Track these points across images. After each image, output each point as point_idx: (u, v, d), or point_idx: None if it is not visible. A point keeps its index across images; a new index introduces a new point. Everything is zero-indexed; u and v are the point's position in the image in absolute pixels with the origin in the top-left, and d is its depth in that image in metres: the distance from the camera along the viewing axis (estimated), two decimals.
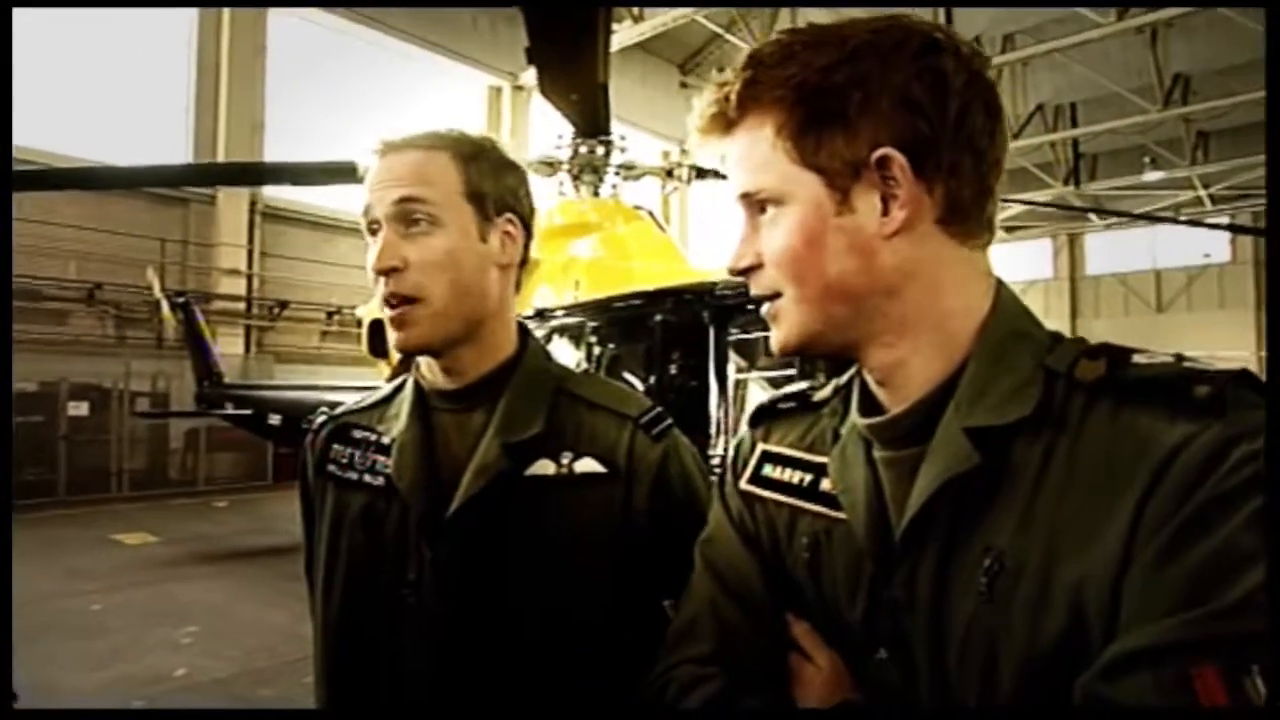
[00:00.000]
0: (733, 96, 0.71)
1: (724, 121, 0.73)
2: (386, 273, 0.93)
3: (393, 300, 0.94)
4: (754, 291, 0.75)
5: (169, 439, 12.39)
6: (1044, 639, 0.61)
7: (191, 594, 6.29)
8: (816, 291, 0.70)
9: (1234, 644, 0.52)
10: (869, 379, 0.76)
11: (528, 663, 0.93)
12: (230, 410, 9.22)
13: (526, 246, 1.04)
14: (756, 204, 0.73)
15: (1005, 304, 0.72)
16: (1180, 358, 0.65)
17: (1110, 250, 25.06)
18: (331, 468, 1.06)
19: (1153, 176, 20.46)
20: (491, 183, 0.99)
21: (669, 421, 1.02)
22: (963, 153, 0.68)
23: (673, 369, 4.35)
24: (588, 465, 0.97)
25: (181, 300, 10.25)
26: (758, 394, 4.34)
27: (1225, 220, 21.63)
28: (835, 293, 0.70)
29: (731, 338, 4.17)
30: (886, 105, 0.67)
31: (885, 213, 0.68)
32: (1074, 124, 19.89)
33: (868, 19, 0.71)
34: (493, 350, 1.01)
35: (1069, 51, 15.26)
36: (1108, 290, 25.04)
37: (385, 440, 1.02)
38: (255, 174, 6.93)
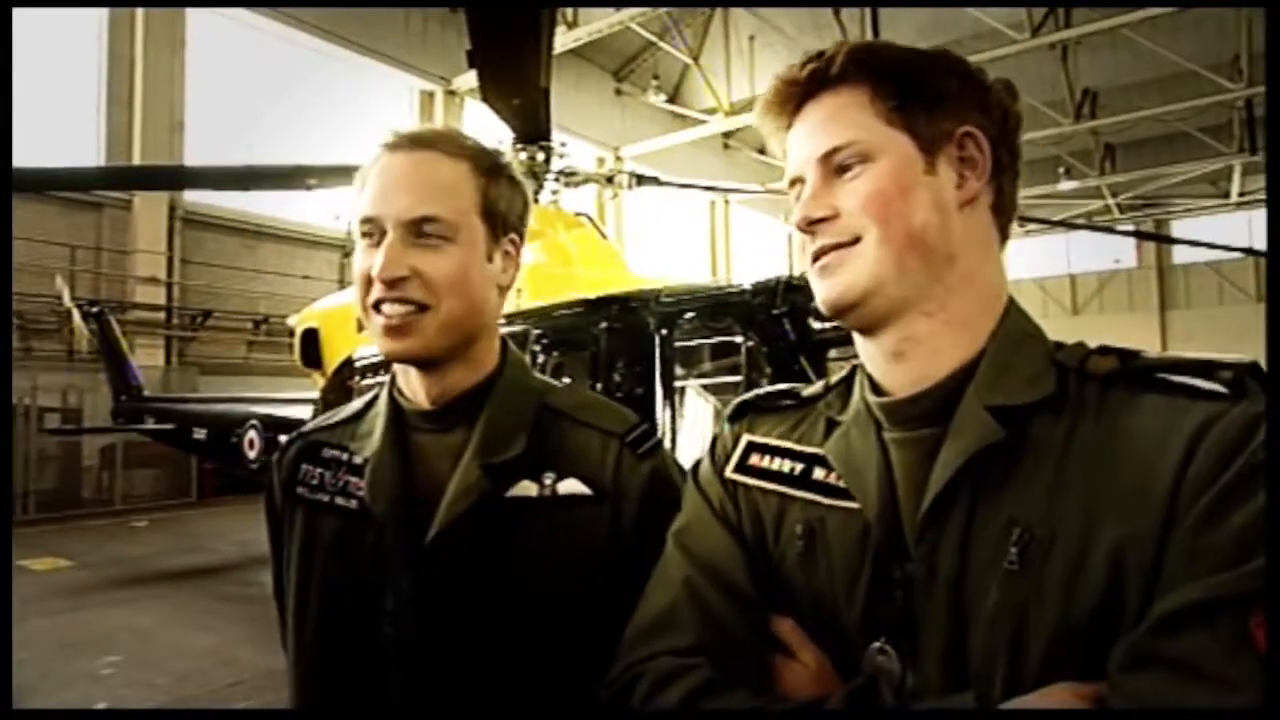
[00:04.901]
0: (837, 59, 0.75)
1: (811, 85, 0.76)
2: (391, 282, 0.88)
3: (397, 305, 0.88)
4: (821, 242, 0.75)
5: (82, 456, 11.70)
6: (1080, 605, 0.63)
7: (111, 621, 5.92)
8: (901, 235, 0.72)
9: None
10: (878, 359, 0.77)
11: (512, 692, 0.89)
12: (151, 425, 8.77)
13: (518, 268, 1.01)
14: (837, 164, 0.75)
15: (1016, 308, 0.77)
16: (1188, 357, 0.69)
17: (1029, 256, 26.23)
18: (301, 490, 1.00)
19: (1067, 186, 21.53)
20: (505, 203, 0.95)
21: (656, 439, 0.99)
22: (1012, 159, 0.78)
23: (618, 377, 4.34)
24: (572, 486, 0.93)
25: (95, 310, 9.73)
26: (697, 402, 4.36)
27: (1131, 228, 22.92)
28: (917, 241, 0.72)
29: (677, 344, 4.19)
30: (967, 101, 0.75)
31: (960, 186, 0.75)
32: None
33: (927, 49, 0.79)
34: (476, 367, 0.97)
35: (988, 65, 15.84)
36: (1028, 294, 26.16)
37: (357, 460, 0.97)
38: (230, 178, 6.63)
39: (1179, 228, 23.99)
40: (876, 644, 0.71)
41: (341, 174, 5.25)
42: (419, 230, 0.89)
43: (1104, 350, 0.72)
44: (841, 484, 0.77)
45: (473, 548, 0.90)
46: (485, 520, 0.90)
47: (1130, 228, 22.50)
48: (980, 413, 0.69)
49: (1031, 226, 22.89)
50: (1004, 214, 0.78)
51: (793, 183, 0.79)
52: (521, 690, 0.88)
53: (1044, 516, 0.65)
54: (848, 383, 0.84)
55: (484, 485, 0.90)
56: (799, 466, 0.82)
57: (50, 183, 9.05)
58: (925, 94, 0.74)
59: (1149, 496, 0.62)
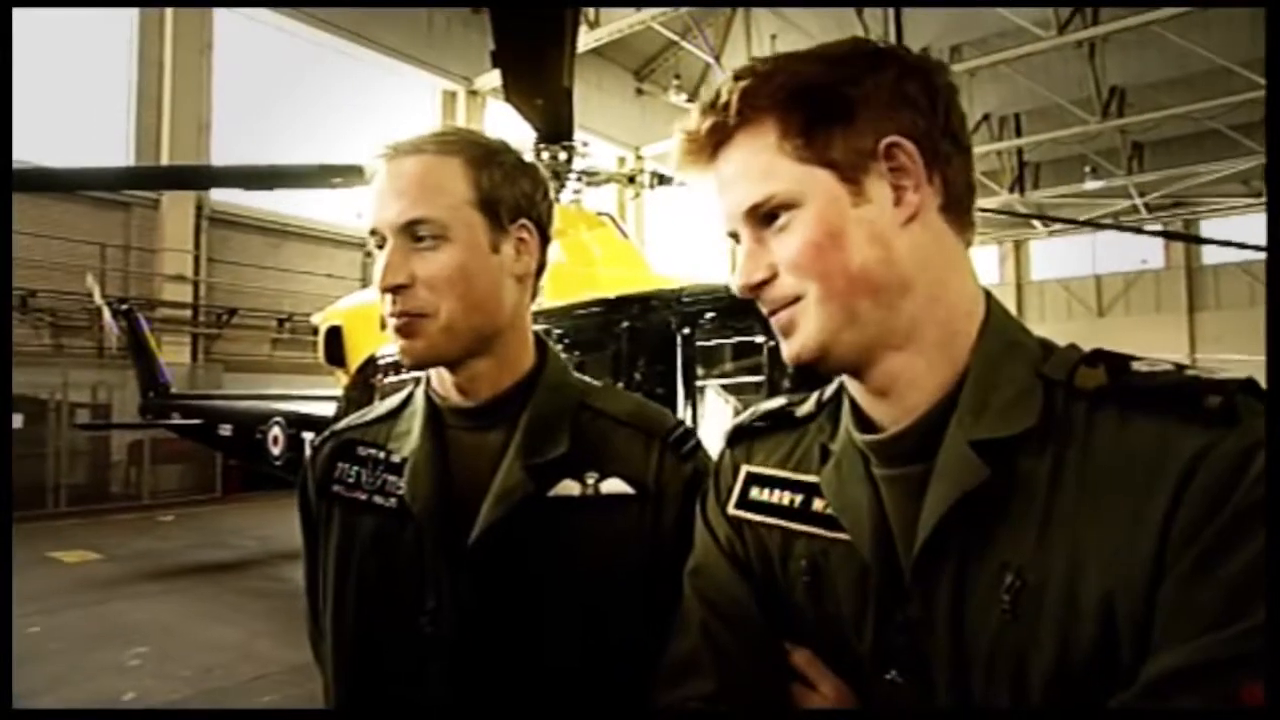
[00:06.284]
0: (732, 104, 0.70)
1: (718, 136, 0.72)
2: (394, 290, 0.89)
3: (401, 315, 0.89)
4: (769, 305, 0.73)
5: (111, 452, 11.92)
6: (1075, 653, 0.60)
7: (138, 613, 6.03)
8: (842, 285, 0.68)
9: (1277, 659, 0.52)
10: (863, 393, 0.75)
11: (553, 692, 0.89)
12: (178, 420, 8.92)
13: (544, 251, 0.99)
14: (763, 216, 0.71)
15: (998, 312, 0.73)
16: (1180, 366, 0.65)
17: (1054, 256, 25.88)
18: (337, 488, 1.00)
19: (1092, 185, 21.22)
20: (506, 189, 0.93)
21: (697, 440, 0.98)
22: (952, 146, 0.71)
23: (639, 376, 4.34)
24: (615, 486, 0.92)
25: (124, 308, 9.92)
26: (718, 403, 4.35)
27: (1159, 228, 22.54)
28: (860, 285, 0.68)
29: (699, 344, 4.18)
30: (883, 101, 0.69)
31: (898, 202, 0.69)
32: (1019, 133, 20.53)
33: (837, 42, 0.73)
34: (510, 364, 0.97)
35: (1013, 64, 15.76)
36: (1052, 295, 25.85)
37: (396, 459, 0.96)
38: (253, 177, 6.75)
39: (1208, 227, 23.55)
40: (889, 675, 0.70)
41: (364, 173, 5.30)
42: (414, 234, 0.89)
43: (1093, 359, 0.67)
44: None
45: (514, 547, 0.89)
46: (528, 520, 0.89)
47: (1158, 228, 22.11)
48: (964, 450, 0.66)
49: (1056, 226, 22.61)
50: (960, 208, 0.72)
51: (730, 234, 0.76)
52: (560, 689, 0.88)
53: (1034, 560, 0.63)
54: (838, 401, 0.81)
55: (528, 486, 0.90)
56: (799, 498, 0.79)
57: (81, 183, 9.22)
58: (834, 113, 0.68)
59: (1137, 544, 0.59)
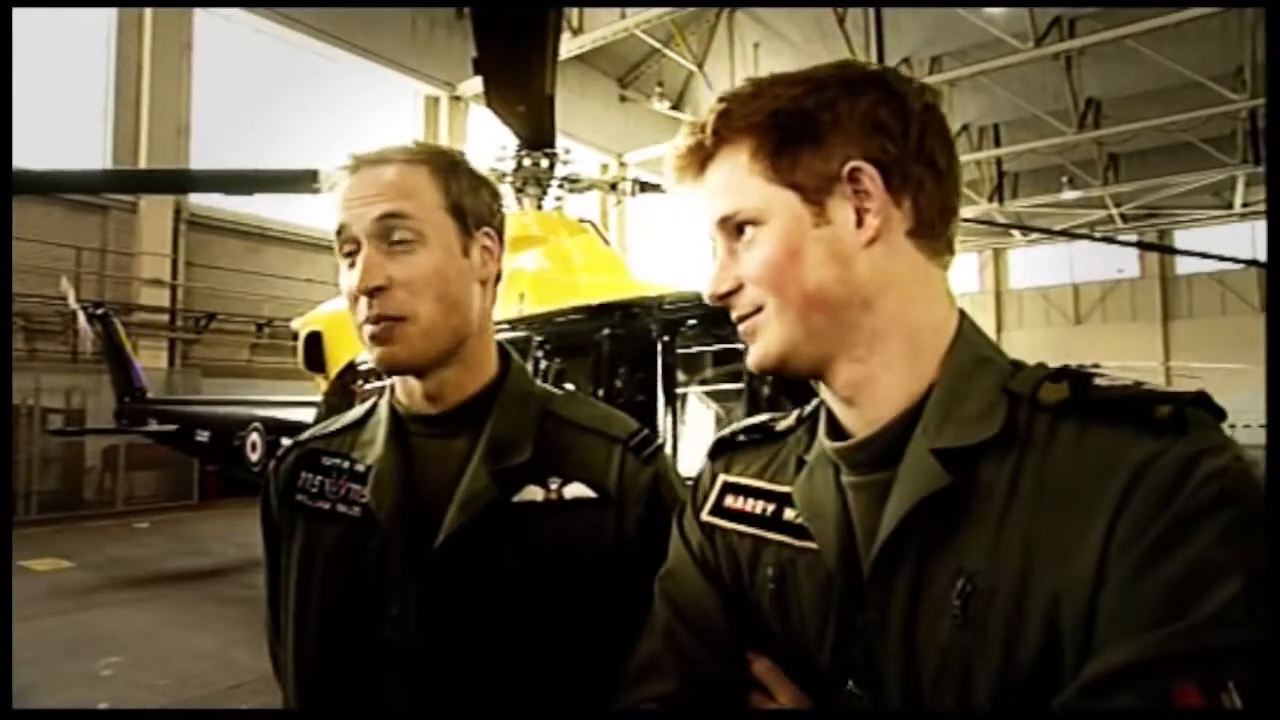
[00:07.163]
0: (709, 128, 0.75)
1: (701, 154, 0.76)
2: (371, 293, 0.89)
3: (378, 319, 0.90)
4: (735, 314, 0.76)
5: (84, 457, 11.70)
6: (1019, 660, 0.61)
7: (112, 622, 5.94)
8: (797, 301, 0.72)
9: (1211, 659, 0.53)
10: (833, 401, 0.77)
11: (518, 697, 0.89)
12: (154, 427, 8.79)
13: (499, 261, 1.02)
14: (733, 228, 0.75)
15: (969, 330, 0.75)
16: (1139, 383, 0.67)
17: (1032, 265, 26.24)
18: (300, 498, 1.01)
19: (1070, 195, 21.55)
20: (471, 197, 0.96)
21: (658, 443, 1.00)
22: (925, 170, 0.72)
23: (620, 383, 4.34)
24: (578, 490, 0.94)
25: (99, 311, 9.77)
26: (699, 409, 4.37)
27: (1134, 238, 22.92)
28: (815, 302, 0.71)
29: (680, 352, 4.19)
30: (854, 126, 0.71)
31: (860, 224, 0.71)
32: (997, 144, 20.82)
33: (827, 65, 0.76)
34: (475, 371, 0.98)
35: (992, 75, 15.99)
36: (1030, 303, 26.19)
37: (360, 468, 0.97)
38: (234, 181, 6.72)
39: (1182, 238, 23.97)
40: (846, 686, 0.71)
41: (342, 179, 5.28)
42: (389, 235, 0.90)
43: (1058, 375, 0.69)
44: None
45: (480, 552, 0.90)
46: (493, 525, 0.91)
47: (1133, 238, 22.46)
48: (926, 457, 0.68)
49: (1034, 236, 22.90)
50: (931, 232, 0.73)
51: (711, 239, 0.80)
52: (525, 692, 0.89)
53: (987, 566, 0.64)
54: (816, 416, 0.83)
55: (494, 491, 0.91)
56: (771, 507, 0.81)
57: (57, 185, 9.11)
58: (804, 137, 0.71)
59: (1083, 546, 0.60)
